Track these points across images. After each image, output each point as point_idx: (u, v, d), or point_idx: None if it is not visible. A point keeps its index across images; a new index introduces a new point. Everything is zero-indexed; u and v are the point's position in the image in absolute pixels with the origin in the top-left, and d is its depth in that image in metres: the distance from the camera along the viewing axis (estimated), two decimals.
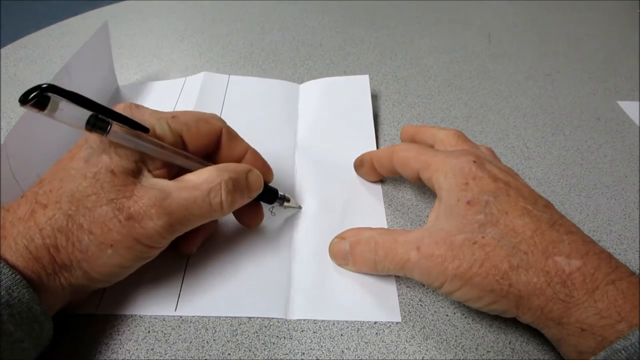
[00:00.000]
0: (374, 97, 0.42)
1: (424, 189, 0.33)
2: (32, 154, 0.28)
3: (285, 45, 0.51)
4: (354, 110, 0.39)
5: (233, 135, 0.27)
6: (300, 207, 0.31)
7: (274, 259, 0.28)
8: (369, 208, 0.32)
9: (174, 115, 0.25)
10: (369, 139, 0.37)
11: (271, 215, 0.30)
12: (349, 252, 0.26)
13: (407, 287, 0.27)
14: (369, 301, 0.26)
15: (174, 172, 0.25)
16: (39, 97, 0.19)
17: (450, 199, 0.24)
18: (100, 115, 0.21)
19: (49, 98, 0.19)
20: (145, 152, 0.23)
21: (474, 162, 0.24)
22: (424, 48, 0.51)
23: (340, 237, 0.27)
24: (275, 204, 0.29)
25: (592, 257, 0.20)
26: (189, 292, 0.26)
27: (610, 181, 0.35)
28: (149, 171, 0.23)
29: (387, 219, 0.31)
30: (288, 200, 0.30)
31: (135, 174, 0.22)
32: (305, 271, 0.27)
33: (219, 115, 0.28)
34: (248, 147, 0.28)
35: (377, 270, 0.25)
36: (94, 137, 0.22)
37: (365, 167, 0.32)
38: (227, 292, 0.26)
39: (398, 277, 0.27)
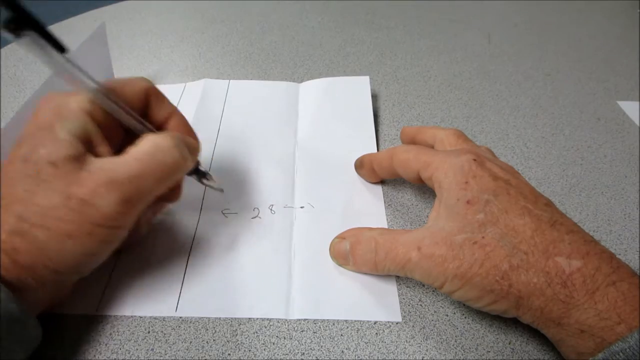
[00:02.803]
0: (374, 97, 0.42)
1: (424, 189, 0.33)
2: None
3: (285, 45, 0.51)
4: (355, 110, 0.39)
5: (160, 95, 0.26)
6: (222, 190, 0.30)
7: (274, 259, 0.28)
8: (370, 208, 0.32)
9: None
10: (369, 139, 0.37)
11: (271, 214, 0.30)
12: (349, 252, 0.26)
13: (407, 287, 0.27)
14: (369, 301, 0.26)
15: (116, 149, 0.24)
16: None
17: (450, 198, 0.24)
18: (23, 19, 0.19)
19: None
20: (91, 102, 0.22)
21: (474, 160, 0.24)
22: (424, 48, 0.51)
23: (341, 237, 0.27)
24: (193, 177, 0.28)
25: (593, 257, 0.20)
26: (189, 292, 0.26)
27: (610, 181, 0.35)
28: (92, 152, 0.22)
29: (387, 219, 0.31)
30: (207, 179, 0.28)
31: (77, 160, 0.21)
32: (305, 271, 0.27)
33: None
34: (175, 110, 0.26)
35: (378, 270, 0.25)
36: (27, 133, 0.21)
37: (365, 169, 0.32)
38: (227, 293, 0.26)
39: (398, 277, 0.27)
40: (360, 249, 0.26)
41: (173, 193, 0.27)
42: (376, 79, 0.46)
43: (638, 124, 0.41)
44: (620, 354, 0.18)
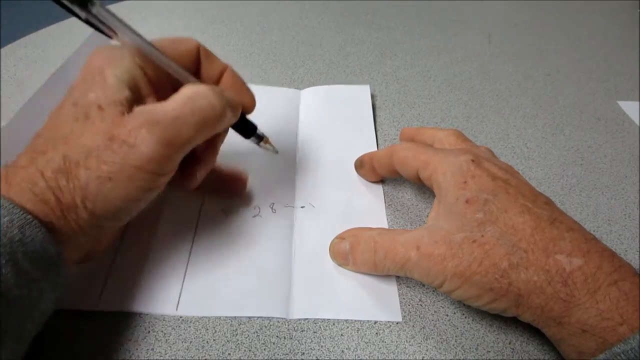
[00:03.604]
0: (374, 97, 0.42)
1: (424, 188, 0.33)
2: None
3: (285, 46, 0.51)
4: (355, 119, 0.39)
5: (209, 54, 0.26)
6: (277, 152, 0.32)
7: (275, 258, 0.28)
8: (370, 208, 0.32)
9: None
10: (370, 144, 0.37)
11: (272, 213, 0.30)
12: (349, 252, 0.26)
13: (407, 287, 0.27)
14: (369, 301, 0.26)
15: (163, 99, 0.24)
16: None
17: (449, 198, 0.24)
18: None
19: None
20: (139, 54, 0.23)
21: (472, 160, 0.24)
22: (424, 48, 0.51)
23: (340, 237, 0.27)
24: (253, 139, 0.30)
25: (593, 255, 0.20)
26: (190, 291, 0.26)
27: (610, 181, 0.35)
28: (140, 103, 0.22)
29: (387, 219, 0.31)
30: (266, 142, 0.30)
31: (123, 104, 0.21)
32: (305, 271, 0.27)
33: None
34: (227, 66, 0.26)
35: (378, 270, 0.25)
36: (78, 80, 0.22)
37: (366, 168, 0.32)
38: (228, 292, 0.26)
39: (398, 277, 0.27)
40: (359, 249, 0.26)
41: (237, 184, 0.30)
42: (376, 79, 0.46)
43: (638, 124, 0.41)
44: (622, 355, 0.18)
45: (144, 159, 0.20)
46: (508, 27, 0.56)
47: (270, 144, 0.31)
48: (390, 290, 0.27)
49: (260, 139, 0.30)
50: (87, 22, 0.21)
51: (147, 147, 0.20)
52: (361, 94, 0.41)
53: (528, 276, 0.20)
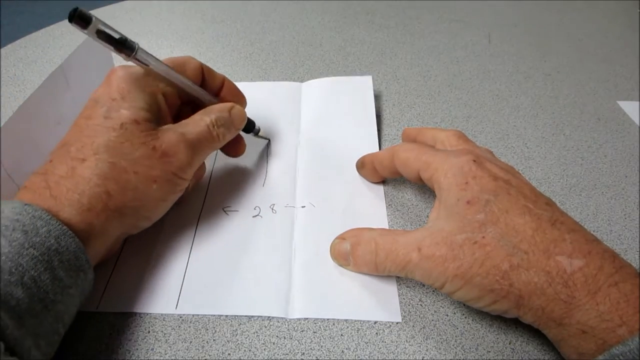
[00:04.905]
0: (374, 97, 0.42)
1: (425, 189, 0.33)
2: (24, 152, 0.28)
3: (285, 45, 0.51)
4: (357, 110, 0.39)
5: (209, 69, 0.30)
6: (269, 140, 0.36)
7: (275, 258, 0.28)
8: (371, 208, 0.32)
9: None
10: (372, 138, 0.37)
11: (272, 213, 0.30)
12: (350, 253, 0.26)
13: (407, 287, 0.27)
14: (369, 301, 0.26)
15: (173, 119, 0.29)
16: (82, 16, 0.22)
17: (450, 199, 0.24)
18: (129, 39, 0.25)
19: (91, 17, 0.22)
20: (167, 83, 0.27)
21: (474, 161, 0.24)
22: (424, 48, 0.51)
23: (341, 237, 0.27)
24: (251, 134, 0.34)
25: (594, 256, 0.20)
26: (189, 290, 0.26)
27: (610, 181, 0.35)
28: (160, 119, 0.27)
29: (388, 219, 0.31)
30: (257, 132, 0.34)
31: (152, 122, 0.25)
32: (306, 270, 0.27)
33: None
34: (224, 78, 0.31)
35: (379, 271, 0.25)
36: (104, 96, 0.25)
37: (367, 169, 0.32)
38: (228, 291, 0.26)
39: (399, 277, 0.27)
40: (360, 250, 0.26)
41: (235, 149, 0.32)
42: (376, 79, 0.46)
43: (638, 124, 0.41)
44: (620, 357, 0.18)
45: (180, 167, 0.26)
46: (508, 27, 0.56)
47: (262, 134, 0.35)
48: (390, 290, 0.27)
49: (257, 132, 0.34)
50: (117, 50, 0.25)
51: (183, 159, 0.26)
52: (363, 84, 0.41)
53: (529, 277, 0.20)
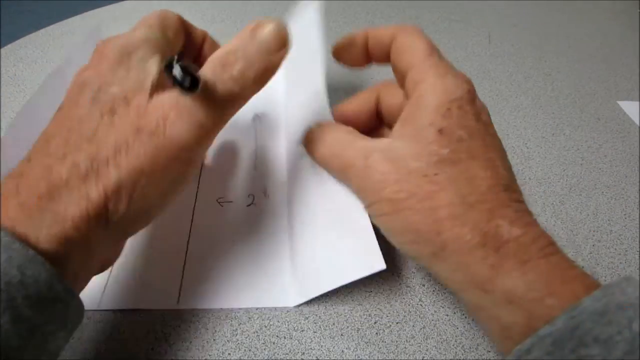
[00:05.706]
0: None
1: None
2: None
3: None
4: (302, 52, 0.29)
5: (191, 25, 0.26)
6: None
7: (271, 247, 0.28)
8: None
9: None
10: (316, 81, 0.29)
11: (265, 198, 0.30)
12: (318, 138, 0.25)
13: (407, 286, 0.27)
14: (351, 259, 0.24)
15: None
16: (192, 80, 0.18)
17: (423, 118, 0.21)
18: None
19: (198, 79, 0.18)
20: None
21: (468, 91, 0.22)
22: None
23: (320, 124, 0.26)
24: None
25: (532, 229, 0.19)
26: (190, 284, 0.26)
27: (610, 181, 0.35)
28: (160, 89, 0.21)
29: None
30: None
31: (146, 93, 0.20)
32: (298, 252, 0.27)
33: None
34: (206, 34, 0.27)
35: (323, 165, 0.24)
36: (90, 77, 0.20)
37: (356, 49, 0.26)
38: (228, 284, 0.26)
39: (375, 228, 0.24)
40: (327, 138, 0.24)
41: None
42: (377, 79, 0.46)
43: (638, 124, 0.41)
44: (548, 338, 0.17)
45: (177, 144, 0.19)
46: (508, 27, 0.56)
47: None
48: (368, 239, 0.24)
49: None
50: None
51: (179, 130, 0.19)
52: (306, 13, 0.31)
53: (462, 233, 0.19)
